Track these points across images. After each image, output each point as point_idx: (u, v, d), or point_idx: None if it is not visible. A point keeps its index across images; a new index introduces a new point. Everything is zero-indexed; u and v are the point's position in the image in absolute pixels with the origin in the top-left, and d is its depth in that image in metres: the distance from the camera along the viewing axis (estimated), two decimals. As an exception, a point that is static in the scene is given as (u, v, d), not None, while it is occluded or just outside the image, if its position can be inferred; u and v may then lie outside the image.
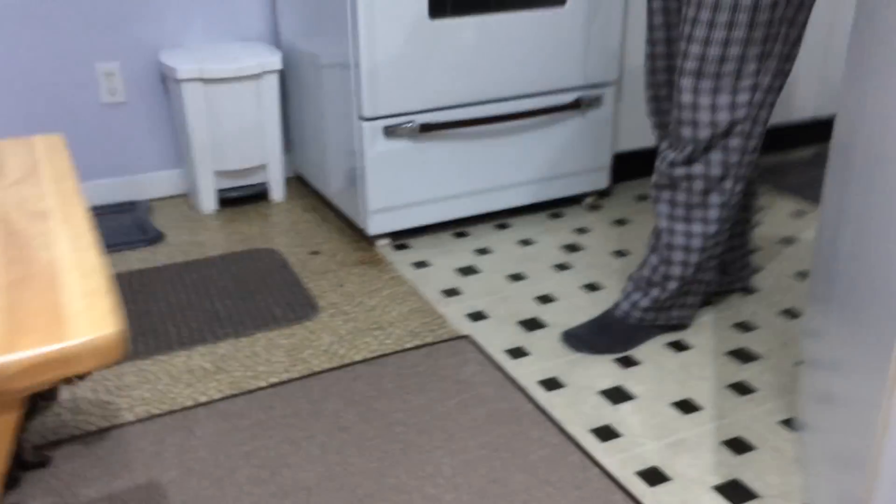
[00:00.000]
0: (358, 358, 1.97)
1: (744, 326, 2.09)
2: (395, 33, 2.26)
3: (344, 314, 2.16)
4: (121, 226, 2.68)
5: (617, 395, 1.83)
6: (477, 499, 1.53)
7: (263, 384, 1.87)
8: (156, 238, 2.59)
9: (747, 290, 2.25)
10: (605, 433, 1.71)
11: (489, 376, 1.89)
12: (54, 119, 2.67)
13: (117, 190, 2.84)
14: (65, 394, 1.82)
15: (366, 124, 2.33)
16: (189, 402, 1.80)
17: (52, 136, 1.06)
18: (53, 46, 2.59)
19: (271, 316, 2.15)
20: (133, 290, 2.27)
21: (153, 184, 2.89)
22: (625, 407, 1.80)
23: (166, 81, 2.77)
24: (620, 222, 2.72)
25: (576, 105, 2.57)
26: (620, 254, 2.50)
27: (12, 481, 1.53)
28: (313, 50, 2.56)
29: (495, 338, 2.06)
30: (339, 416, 1.76)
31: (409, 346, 2.02)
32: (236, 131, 2.71)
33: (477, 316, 2.16)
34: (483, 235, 2.62)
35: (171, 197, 2.92)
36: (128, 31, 2.67)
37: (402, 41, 2.27)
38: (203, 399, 1.81)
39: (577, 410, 1.78)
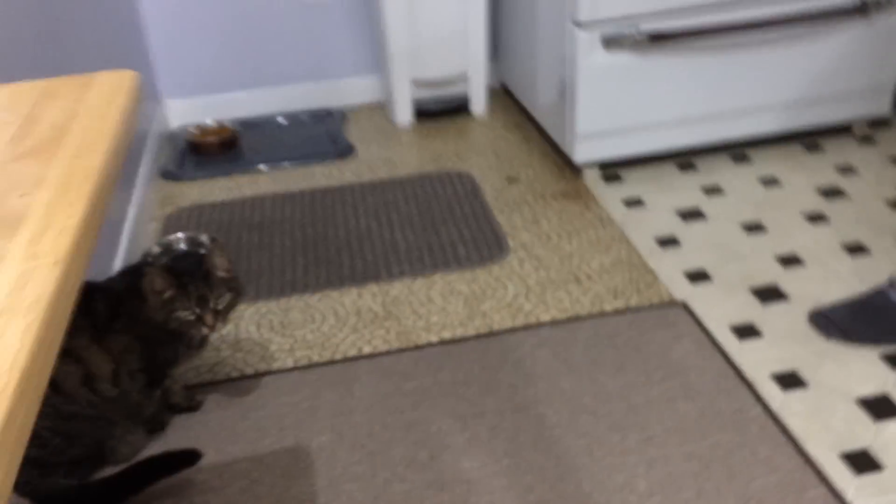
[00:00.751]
0: (546, 318, 1.65)
1: None
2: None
3: (536, 259, 1.84)
4: (313, 136, 2.52)
5: (883, 408, 1.38)
6: (677, 533, 1.19)
7: (435, 339, 1.62)
8: (346, 152, 2.40)
9: None
10: (862, 462, 1.28)
11: (707, 360, 1.51)
12: (256, 19, 2.51)
13: (314, 96, 2.66)
14: (228, 327, 1.69)
15: (581, 32, 1.92)
16: (352, 352, 1.60)
17: (121, 74, 0.78)
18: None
19: (454, 254, 1.88)
20: (313, 212, 2.10)
21: (350, 91, 2.69)
22: (893, 426, 1.34)
23: (364, -23, 2.51)
24: (901, 161, 2.13)
25: (861, 8, 1.98)
26: (899, 205, 1.95)
27: (158, 425, 1.42)
28: (525, -62, 2.16)
29: (719, 308, 1.65)
30: (517, 391, 1.47)
31: (609, 308, 1.67)
32: (437, 35, 2.41)
33: (698, 276, 1.75)
34: (715, 170, 2.16)
35: (368, 106, 2.71)
36: (325, -81, 2.42)
37: (631, -76, 1.81)
38: (367, 349, 1.61)
39: (823, 423, 1.36)
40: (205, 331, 1.28)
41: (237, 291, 1.32)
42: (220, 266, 1.30)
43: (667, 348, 1.54)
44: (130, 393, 1.28)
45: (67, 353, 1.19)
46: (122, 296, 1.29)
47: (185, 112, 2.59)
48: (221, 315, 1.29)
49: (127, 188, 1.99)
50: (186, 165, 2.37)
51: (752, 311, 1.63)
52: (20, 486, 1.22)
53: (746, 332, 1.58)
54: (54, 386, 1.18)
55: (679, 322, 1.61)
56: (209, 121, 2.54)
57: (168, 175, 2.32)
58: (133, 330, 1.27)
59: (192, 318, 1.26)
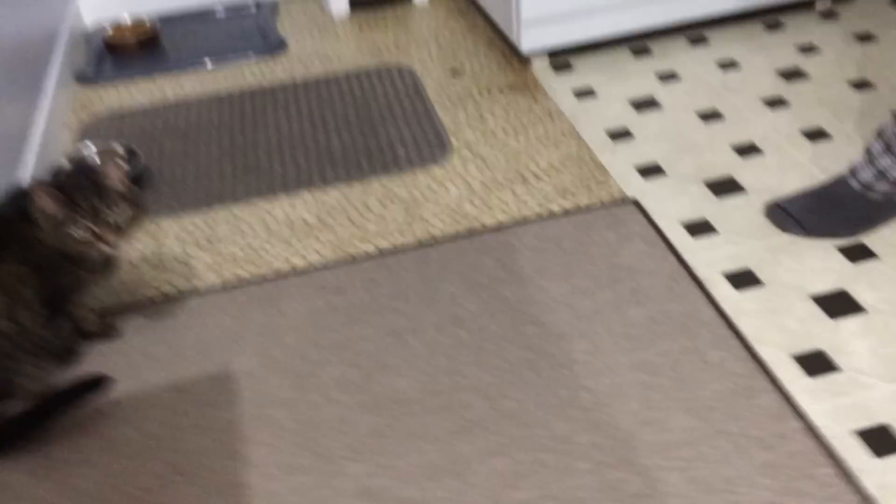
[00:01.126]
0: (490, 222, 1.55)
1: None
2: None
3: (480, 158, 1.72)
4: (241, 31, 2.32)
5: (839, 305, 1.32)
6: (620, 447, 1.13)
7: (371, 250, 1.51)
8: (277, 47, 2.22)
9: None
10: (816, 363, 1.23)
11: (658, 262, 1.43)
12: None
13: (241, -14, 2.45)
14: (150, 245, 1.57)
15: None
16: (283, 267, 1.50)
17: None
18: None
19: (393, 156, 1.75)
20: (242, 115, 1.94)
21: (280, -22, 2.47)
22: (849, 323, 1.29)
23: None
24: (866, 38, 2.01)
25: None
26: (864, 85, 1.84)
27: (70, 356, 1.31)
28: None
29: (673, 204, 1.56)
30: (457, 302, 1.39)
31: (556, 209, 1.57)
32: (368, -88, 2.19)
33: (651, 170, 1.65)
34: (671, 54, 2.02)
35: (301, -5, 2.50)
36: None
37: None
38: (299, 263, 1.50)
39: (777, 324, 1.30)
40: (103, 248, 1.16)
41: (137, 204, 1.19)
42: (115, 177, 1.17)
43: (616, 250, 1.46)
44: (31, 327, 1.17)
45: (-51, 289, 1.07)
46: (11, 222, 1.16)
47: (100, 7, 2.37)
48: (120, 231, 1.17)
49: (33, 94, 1.81)
50: (103, 67, 2.17)
51: (707, 206, 1.54)
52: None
53: (700, 228, 1.49)
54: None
55: (630, 221, 1.52)
56: (126, 17, 2.32)
57: (83, 78, 2.13)
58: (26, 258, 1.15)
59: (87, 236, 1.14)
